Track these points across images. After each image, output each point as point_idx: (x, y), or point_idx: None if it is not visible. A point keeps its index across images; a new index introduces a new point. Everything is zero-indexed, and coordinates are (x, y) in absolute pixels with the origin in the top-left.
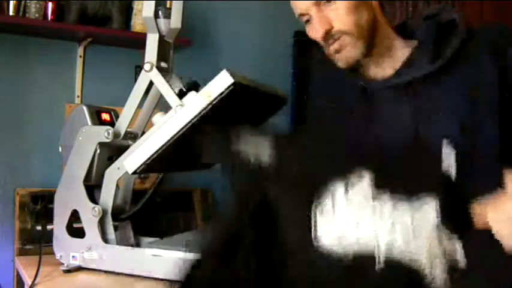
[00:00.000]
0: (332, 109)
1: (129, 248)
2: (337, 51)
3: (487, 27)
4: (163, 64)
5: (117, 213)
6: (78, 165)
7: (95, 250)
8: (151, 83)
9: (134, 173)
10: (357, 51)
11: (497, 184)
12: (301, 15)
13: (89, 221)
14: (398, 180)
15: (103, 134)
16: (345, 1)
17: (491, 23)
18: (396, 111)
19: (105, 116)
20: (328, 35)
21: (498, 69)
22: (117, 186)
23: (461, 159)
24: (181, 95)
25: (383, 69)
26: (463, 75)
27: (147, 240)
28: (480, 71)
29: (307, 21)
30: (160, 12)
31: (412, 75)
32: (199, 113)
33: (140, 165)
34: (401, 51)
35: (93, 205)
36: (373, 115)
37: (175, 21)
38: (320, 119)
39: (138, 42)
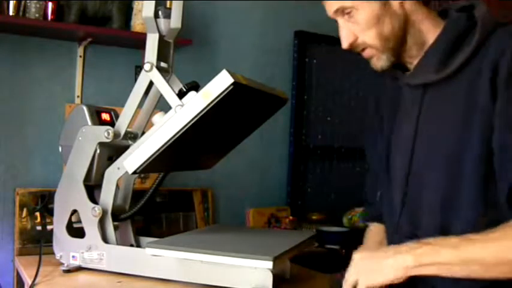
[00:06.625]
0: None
1: (129, 248)
2: (368, 59)
3: (503, 33)
4: (163, 64)
5: (117, 213)
6: (78, 165)
7: (95, 250)
8: (151, 83)
9: (134, 173)
10: (383, 62)
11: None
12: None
13: (89, 221)
14: None
15: (103, 134)
16: (364, 15)
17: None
18: (407, 110)
19: (105, 116)
20: (354, 45)
21: (491, 86)
22: (117, 186)
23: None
24: (181, 95)
25: (415, 62)
26: (465, 86)
27: (147, 240)
28: (478, 85)
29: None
30: (160, 12)
31: (417, 81)
32: (199, 113)
33: (140, 165)
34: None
35: (93, 205)
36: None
37: (175, 21)
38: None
39: (138, 42)
